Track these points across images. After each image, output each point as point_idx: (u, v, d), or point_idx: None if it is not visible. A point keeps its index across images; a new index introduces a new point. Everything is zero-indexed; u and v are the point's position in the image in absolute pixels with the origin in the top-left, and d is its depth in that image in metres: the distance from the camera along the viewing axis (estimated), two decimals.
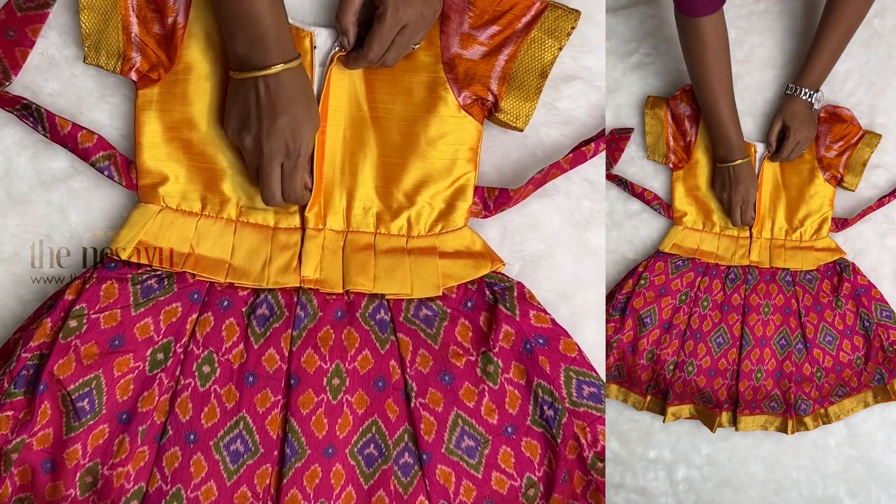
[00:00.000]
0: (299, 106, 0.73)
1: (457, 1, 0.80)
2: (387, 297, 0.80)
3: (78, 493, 0.71)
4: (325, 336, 0.78)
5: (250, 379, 0.76)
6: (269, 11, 0.71)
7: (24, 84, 0.80)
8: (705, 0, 1.18)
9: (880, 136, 1.36)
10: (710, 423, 1.30)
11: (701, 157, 1.37)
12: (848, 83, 1.39)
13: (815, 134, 1.34)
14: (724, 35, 1.24)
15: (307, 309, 0.78)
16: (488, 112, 0.82)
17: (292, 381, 0.76)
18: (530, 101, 0.81)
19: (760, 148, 1.38)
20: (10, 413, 0.70)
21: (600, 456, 0.77)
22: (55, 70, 0.81)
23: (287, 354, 0.77)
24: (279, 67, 0.72)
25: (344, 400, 0.77)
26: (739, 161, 1.30)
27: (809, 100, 1.31)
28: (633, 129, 1.38)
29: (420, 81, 0.80)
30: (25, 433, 0.70)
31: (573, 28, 0.81)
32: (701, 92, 1.28)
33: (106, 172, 0.78)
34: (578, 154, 0.82)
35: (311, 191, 0.78)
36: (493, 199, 0.82)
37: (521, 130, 0.82)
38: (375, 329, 0.79)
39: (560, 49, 0.81)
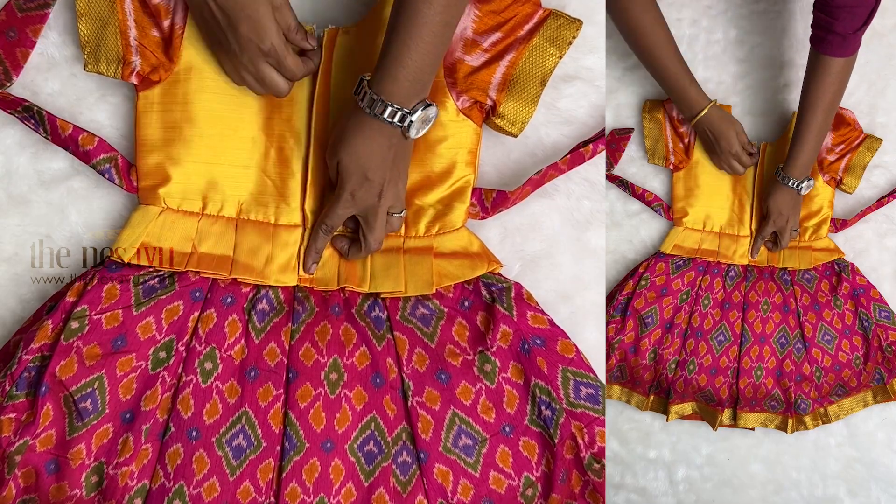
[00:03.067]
0: (250, 4, 0.72)
1: None
2: (382, 295, 0.80)
3: (83, 493, 0.71)
4: (322, 331, 0.78)
5: (252, 373, 0.76)
6: None
7: (23, 84, 0.81)
8: None
9: (881, 140, 1.36)
10: (713, 421, 1.30)
11: (701, 158, 1.37)
12: (848, 83, 1.39)
13: (798, 216, 1.32)
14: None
15: (305, 305, 0.79)
16: (486, 115, 0.82)
17: (290, 375, 0.77)
18: (528, 107, 0.81)
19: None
20: (12, 415, 0.70)
21: (597, 457, 0.77)
22: (55, 70, 0.81)
23: (287, 348, 0.77)
24: None
25: (342, 395, 0.77)
26: (706, 109, 1.28)
27: (796, 188, 1.28)
28: (632, 129, 1.38)
29: None
30: (28, 435, 0.70)
31: (574, 38, 0.81)
32: (644, 58, 1.26)
33: (107, 175, 0.78)
34: (576, 155, 0.82)
35: (315, 47, 0.78)
36: (491, 201, 0.82)
37: (516, 136, 0.82)
38: (371, 326, 0.79)
39: (560, 57, 0.81)
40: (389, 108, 0.71)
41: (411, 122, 0.72)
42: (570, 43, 0.81)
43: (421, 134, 0.75)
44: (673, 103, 1.32)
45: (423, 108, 0.73)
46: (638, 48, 1.25)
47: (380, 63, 0.72)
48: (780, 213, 1.30)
